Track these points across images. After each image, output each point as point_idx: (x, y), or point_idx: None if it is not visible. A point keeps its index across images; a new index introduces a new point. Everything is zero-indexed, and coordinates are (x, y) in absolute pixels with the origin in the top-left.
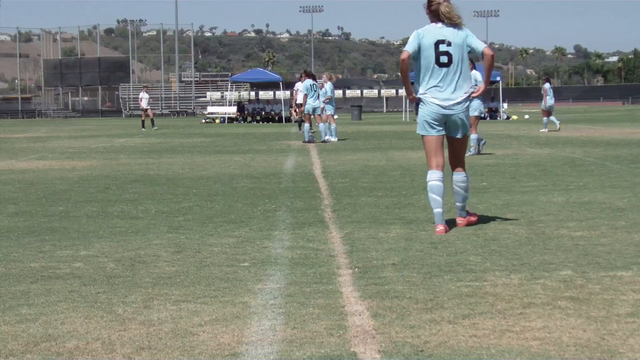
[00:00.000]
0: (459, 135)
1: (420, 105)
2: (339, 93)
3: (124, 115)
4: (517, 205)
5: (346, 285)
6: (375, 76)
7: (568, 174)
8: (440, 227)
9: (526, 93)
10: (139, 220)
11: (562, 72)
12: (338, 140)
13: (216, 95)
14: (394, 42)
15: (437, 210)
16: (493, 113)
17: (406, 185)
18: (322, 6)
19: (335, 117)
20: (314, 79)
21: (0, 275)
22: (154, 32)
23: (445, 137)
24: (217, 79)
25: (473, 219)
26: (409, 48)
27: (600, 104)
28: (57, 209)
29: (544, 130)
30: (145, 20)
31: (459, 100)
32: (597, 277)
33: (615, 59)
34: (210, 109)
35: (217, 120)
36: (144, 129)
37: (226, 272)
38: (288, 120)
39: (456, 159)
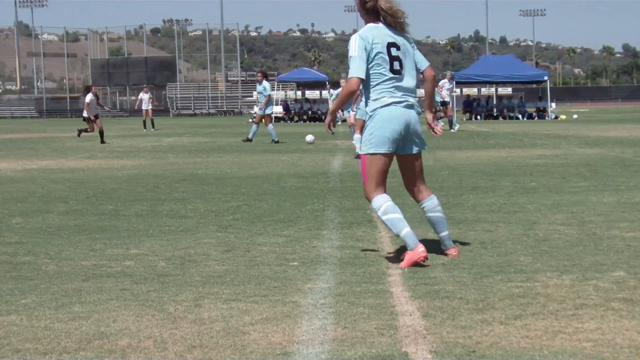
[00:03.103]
0: (415, 150)
1: (372, 118)
2: None
3: (171, 114)
4: (567, 205)
5: (396, 285)
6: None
7: (618, 174)
8: (421, 247)
9: (574, 92)
10: (188, 219)
11: (611, 71)
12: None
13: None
14: (440, 42)
15: (407, 229)
16: (541, 113)
17: (454, 185)
18: None
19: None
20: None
21: (53, 273)
22: (200, 32)
23: (398, 158)
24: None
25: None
26: (359, 73)
27: None
28: (106, 208)
29: None
30: (191, 20)
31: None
32: None
33: None
34: (256, 108)
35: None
36: (145, 130)
37: (276, 271)
38: None
39: (420, 181)
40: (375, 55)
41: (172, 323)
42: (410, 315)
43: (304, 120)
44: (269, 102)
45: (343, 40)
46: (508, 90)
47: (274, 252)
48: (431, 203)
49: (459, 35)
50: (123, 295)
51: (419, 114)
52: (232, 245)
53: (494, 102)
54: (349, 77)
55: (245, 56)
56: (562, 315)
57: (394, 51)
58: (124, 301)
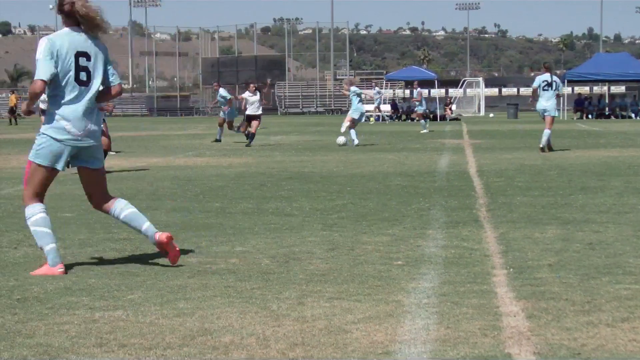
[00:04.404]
0: (97, 166)
1: (49, 128)
2: (494, 91)
3: (279, 112)
4: None
5: (501, 285)
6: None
7: None
8: (62, 267)
9: None
10: (293, 218)
11: None
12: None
13: (371, 93)
14: (552, 40)
15: (52, 245)
16: None
17: (563, 185)
18: (478, 3)
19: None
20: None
21: (159, 270)
22: (310, 31)
23: (79, 171)
24: (372, 77)
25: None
26: (45, 75)
27: None
28: (213, 205)
29: None
30: (302, 19)
31: (92, 129)
32: None
33: None
34: (364, 107)
35: (372, 119)
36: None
37: (380, 270)
38: (443, 118)
39: (103, 191)
40: (62, 62)
41: (275, 320)
42: (515, 316)
43: (412, 119)
44: (232, 106)
45: (453, 38)
46: (621, 88)
47: (378, 251)
48: (120, 203)
49: (571, 32)
50: (227, 292)
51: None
52: (337, 243)
53: (606, 101)
54: (34, 78)
55: (355, 55)
56: None
57: (82, 61)
58: (228, 298)
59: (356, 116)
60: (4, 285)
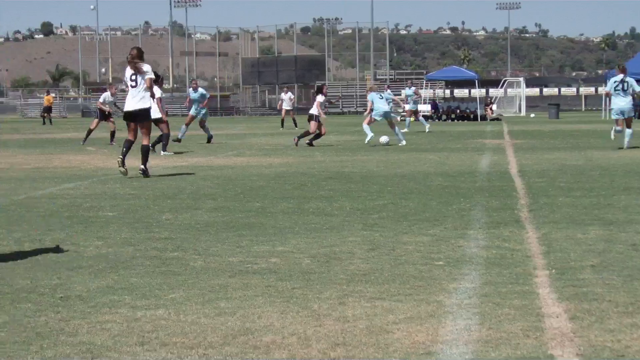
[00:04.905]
0: None
1: None
2: (535, 91)
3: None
4: None
5: (543, 286)
6: (574, 74)
7: None
8: None
9: None
10: (333, 217)
11: None
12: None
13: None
14: (594, 39)
15: None
16: None
17: (605, 185)
18: (519, 3)
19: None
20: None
21: (200, 269)
22: (350, 31)
23: None
24: (412, 76)
25: None
26: None
27: None
28: (254, 205)
29: None
30: (341, 19)
31: None
32: None
33: None
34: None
35: (412, 118)
36: (281, 128)
37: (421, 271)
38: (483, 118)
39: None
40: None
41: (316, 320)
42: (557, 317)
43: (452, 119)
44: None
45: (494, 38)
46: None
47: (419, 251)
48: None
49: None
50: (268, 292)
51: None
52: (377, 243)
53: None
54: None
55: (395, 54)
56: None
57: None
58: (269, 298)
59: (378, 118)
60: (47, 283)
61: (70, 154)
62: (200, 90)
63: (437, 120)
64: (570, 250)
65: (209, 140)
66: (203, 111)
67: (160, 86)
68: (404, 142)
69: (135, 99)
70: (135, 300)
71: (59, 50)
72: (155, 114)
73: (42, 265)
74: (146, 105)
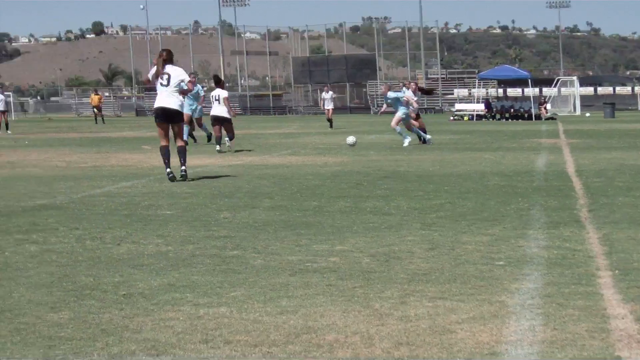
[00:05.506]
0: None
1: None
2: (589, 90)
3: (372, 112)
4: None
5: (607, 287)
6: (628, 72)
7: None
8: None
9: None
10: (391, 216)
11: None
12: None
13: (463, 92)
14: None
15: None
16: None
17: None
18: (569, 1)
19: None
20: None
21: (260, 267)
22: (399, 30)
23: None
24: (464, 75)
25: None
26: None
27: None
28: (311, 204)
29: None
30: (390, 18)
31: None
32: None
33: None
34: (458, 106)
35: (466, 118)
36: (330, 128)
37: (481, 271)
38: (538, 117)
39: None
40: None
41: (378, 319)
42: (623, 318)
43: (506, 118)
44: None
45: (545, 36)
46: None
47: (479, 251)
48: None
49: None
50: (329, 290)
51: None
52: (437, 243)
53: None
54: None
55: (445, 53)
56: None
57: None
58: (330, 297)
59: (403, 115)
60: (110, 281)
61: (127, 153)
62: (197, 86)
63: (490, 119)
64: (632, 251)
65: (209, 139)
66: (198, 109)
67: (223, 87)
68: (407, 142)
69: (172, 98)
70: (197, 298)
71: (110, 49)
72: (224, 114)
73: (103, 262)
74: (180, 107)
